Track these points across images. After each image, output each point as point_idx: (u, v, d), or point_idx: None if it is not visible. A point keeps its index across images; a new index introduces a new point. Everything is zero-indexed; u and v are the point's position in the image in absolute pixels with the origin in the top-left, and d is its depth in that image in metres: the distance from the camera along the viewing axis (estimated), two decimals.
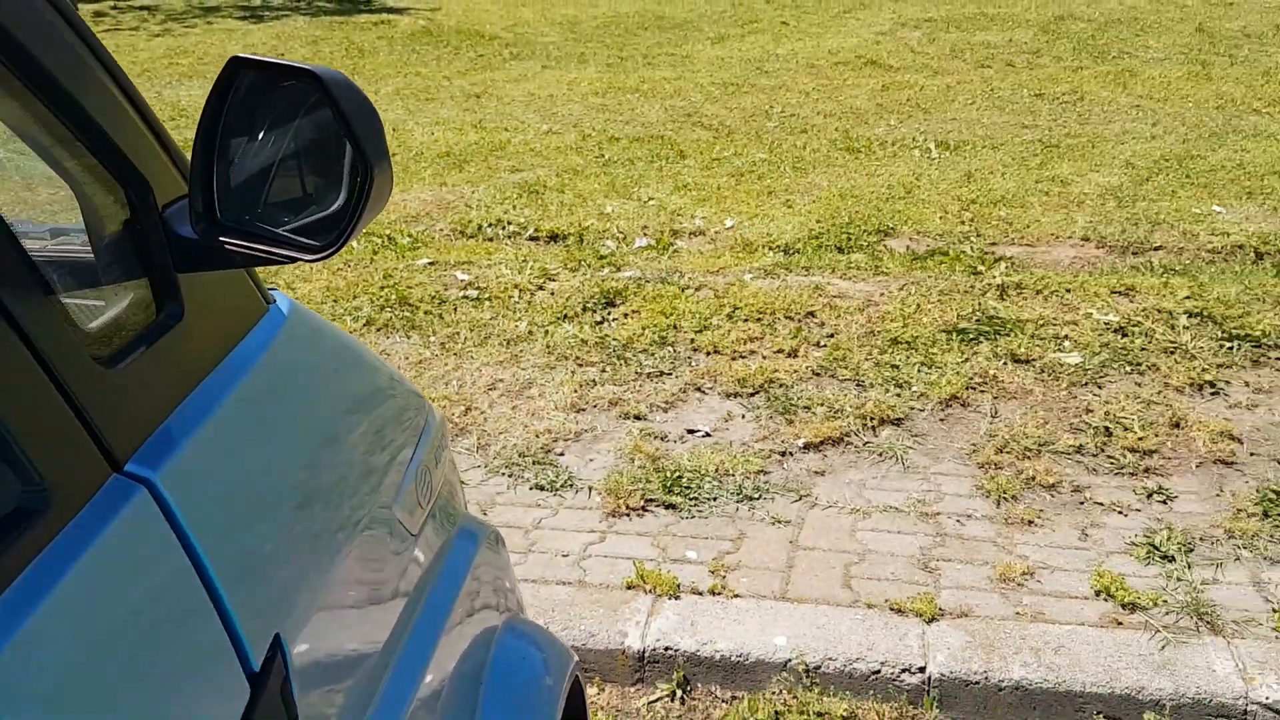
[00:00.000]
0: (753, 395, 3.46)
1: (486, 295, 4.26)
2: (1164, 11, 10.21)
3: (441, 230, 5.18)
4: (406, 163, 6.32)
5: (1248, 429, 3.11)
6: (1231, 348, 3.54)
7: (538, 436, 3.27)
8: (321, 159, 0.97)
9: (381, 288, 4.33)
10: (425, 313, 4.11)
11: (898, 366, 3.57)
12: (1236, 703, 2.15)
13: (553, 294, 4.28)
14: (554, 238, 5.02)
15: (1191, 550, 2.60)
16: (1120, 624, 2.36)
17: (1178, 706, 2.17)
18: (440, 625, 1.23)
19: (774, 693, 2.31)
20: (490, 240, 5.04)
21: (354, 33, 11.00)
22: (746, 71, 8.74)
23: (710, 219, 5.18)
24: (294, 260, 0.94)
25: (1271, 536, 2.63)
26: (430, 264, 4.63)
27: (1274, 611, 2.37)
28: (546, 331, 3.94)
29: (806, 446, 3.16)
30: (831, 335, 3.83)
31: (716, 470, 3.04)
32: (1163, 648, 2.28)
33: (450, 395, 3.53)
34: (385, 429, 1.28)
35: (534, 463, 3.14)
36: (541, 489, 3.03)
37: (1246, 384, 3.35)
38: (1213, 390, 3.32)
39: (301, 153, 0.99)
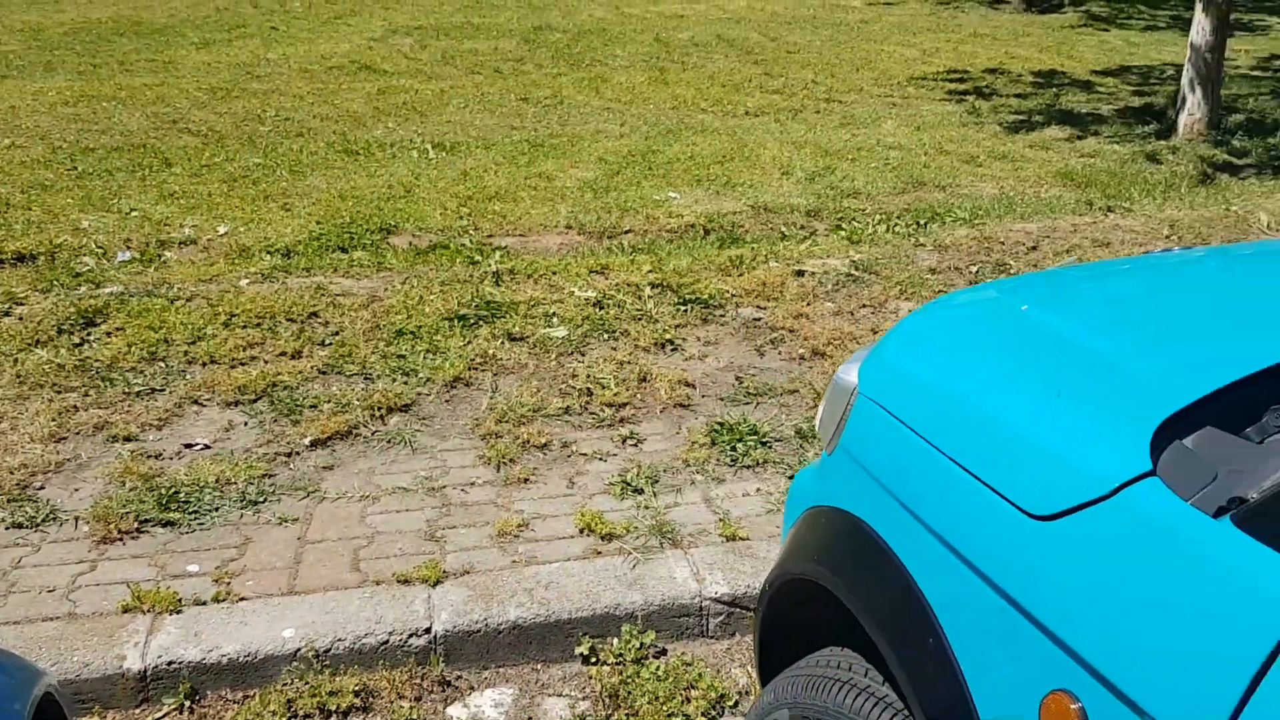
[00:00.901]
0: (255, 401, 3.41)
1: None
2: (628, 24, 11.37)
3: None
4: None
5: (699, 376, 3.64)
6: (686, 310, 4.10)
7: (11, 473, 2.98)
8: None
9: None
10: None
11: (404, 356, 3.70)
12: (693, 601, 2.54)
13: (21, 319, 3.88)
14: (21, 258, 4.54)
15: (657, 481, 3.00)
16: (599, 553, 2.68)
17: (648, 615, 2.52)
18: None
19: (285, 683, 2.34)
20: None
21: None
22: (236, 76, 8.43)
23: (201, 227, 4.97)
24: None
25: (718, 460, 3.12)
26: None
27: (720, 521, 2.82)
28: (15, 360, 3.58)
29: (314, 444, 3.19)
30: (337, 333, 3.87)
31: (217, 481, 2.97)
32: (634, 567, 2.63)
33: None
34: None
35: (9, 500, 2.86)
36: (20, 526, 2.77)
37: (698, 339, 3.91)
38: (672, 347, 3.83)
39: None
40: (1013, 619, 1.25)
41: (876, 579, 1.52)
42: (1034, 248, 4.79)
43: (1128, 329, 1.54)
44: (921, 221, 5.34)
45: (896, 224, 5.33)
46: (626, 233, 5.12)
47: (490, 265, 4.51)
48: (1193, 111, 6.62)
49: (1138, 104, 7.76)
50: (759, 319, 4.10)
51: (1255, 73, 8.87)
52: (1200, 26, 6.44)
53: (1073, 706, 1.13)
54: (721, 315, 4.11)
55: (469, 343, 3.82)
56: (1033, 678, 1.21)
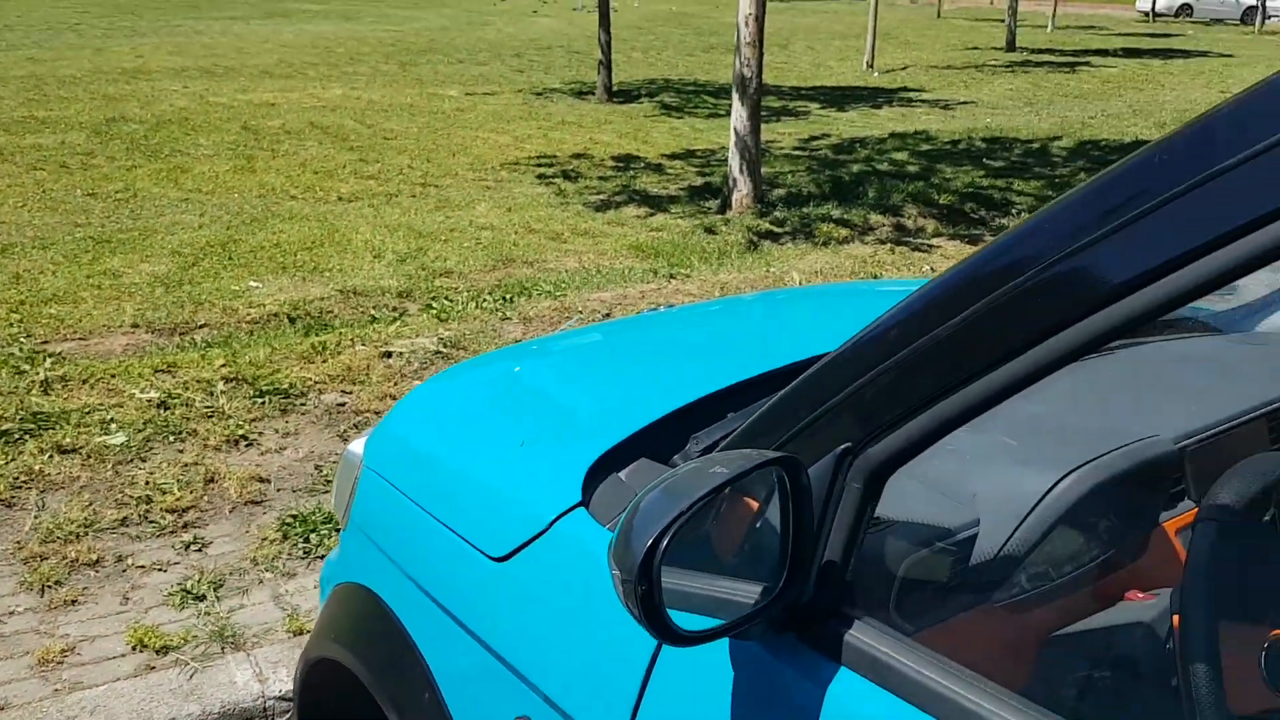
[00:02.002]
0: None
1: None
2: (213, 112, 10.95)
3: None
4: None
5: (275, 469, 3.54)
6: (263, 402, 3.98)
7: None
8: None
9: None
10: None
11: None
12: (256, 704, 2.45)
13: None
14: None
15: (221, 585, 2.87)
16: (154, 668, 2.52)
17: None
18: None
19: None
20: None
21: None
22: None
23: None
24: None
25: (290, 555, 3.04)
26: None
27: (288, 617, 2.74)
28: None
29: None
30: None
31: None
32: (191, 677, 2.49)
33: None
34: None
35: None
36: None
37: (276, 431, 3.81)
38: (246, 442, 3.70)
39: None
40: (484, 658, 1.34)
41: (383, 648, 1.57)
42: (608, 314, 5.14)
43: (589, 380, 1.72)
44: (509, 296, 5.57)
45: (486, 300, 5.51)
46: (201, 327, 4.89)
47: (39, 374, 4.13)
48: (741, 189, 7.46)
49: (700, 183, 8.61)
50: (343, 404, 4.06)
51: (796, 152, 10.16)
52: (739, 114, 7.31)
53: None
54: (303, 404, 4.03)
55: (11, 460, 3.46)
56: (503, 710, 1.31)
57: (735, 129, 7.35)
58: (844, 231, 7.19)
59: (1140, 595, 1.20)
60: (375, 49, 18.30)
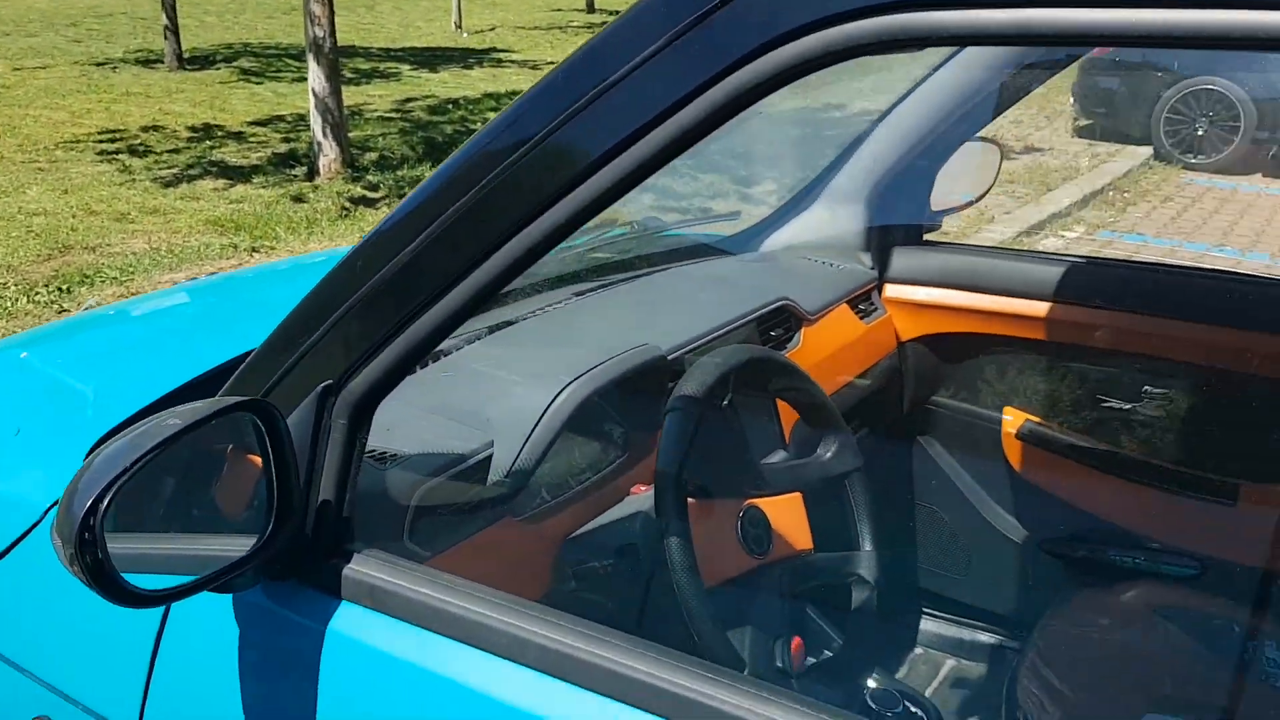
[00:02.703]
0: None
1: None
2: None
3: None
4: None
5: None
6: None
7: None
8: None
9: None
10: None
11: None
12: None
13: None
14: None
15: None
16: None
17: None
18: None
19: None
20: None
21: None
22: None
23: None
24: None
25: None
26: None
27: None
28: None
29: None
30: None
31: None
32: None
33: None
34: None
35: None
36: None
37: None
38: None
39: None
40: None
41: None
42: None
43: (105, 361, 1.60)
44: (67, 287, 5.04)
45: (40, 293, 4.95)
46: None
47: None
48: (328, 154, 7.21)
49: (284, 150, 8.22)
50: None
51: (390, 115, 9.96)
52: (316, 76, 7.03)
53: None
54: None
55: None
56: (20, 712, 1.21)
57: (314, 91, 7.07)
58: None
59: (643, 488, 1.32)
60: None
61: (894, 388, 2.07)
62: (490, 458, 1.23)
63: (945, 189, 2.07)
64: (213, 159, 7.92)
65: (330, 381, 0.98)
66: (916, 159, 1.98)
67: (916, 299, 2.05)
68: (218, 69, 12.45)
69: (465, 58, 14.55)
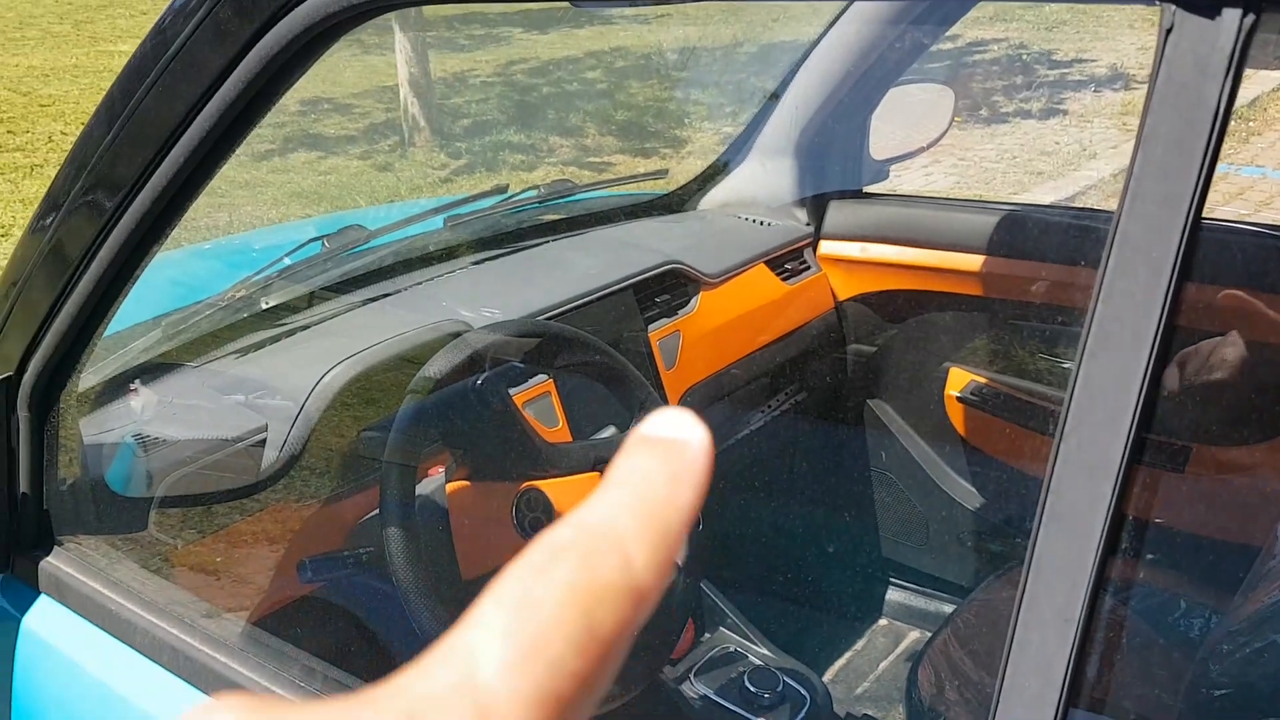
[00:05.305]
0: None
1: None
2: None
3: None
4: None
5: None
6: None
7: None
8: None
9: None
10: None
11: None
12: None
13: None
14: None
15: None
16: None
17: None
18: None
19: None
20: None
21: None
22: None
23: None
24: None
25: None
26: None
27: None
28: None
29: None
30: None
31: None
32: None
33: None
34: None
35: None
36: None
37: None
38: None
39: None
40: None
41: None
42: None
43: None
44: None
45: None
46: None
47: None
48: (418, 123, 7.32)
49: (383, 120, 8.39)
50: None
51: (492, 79, 10.04)
52: (403, 45, 7.13)
53: None
54: None
55: None
56: None
57: (402, 61, 7.18)
58: None
59: (438, 470, 1.26)
60: (49, 9, 16.67)
61: (832, 349, 1.94)
62: (264, 442, 1.20)
63: (885, 137, 1.91)
64: (311, 131, 8.15)
65: (9, 374, 0.97)
66: (842, 106, 1.83)
67: (852, 255, 1.91)
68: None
69: (577, 17, 14.48)
